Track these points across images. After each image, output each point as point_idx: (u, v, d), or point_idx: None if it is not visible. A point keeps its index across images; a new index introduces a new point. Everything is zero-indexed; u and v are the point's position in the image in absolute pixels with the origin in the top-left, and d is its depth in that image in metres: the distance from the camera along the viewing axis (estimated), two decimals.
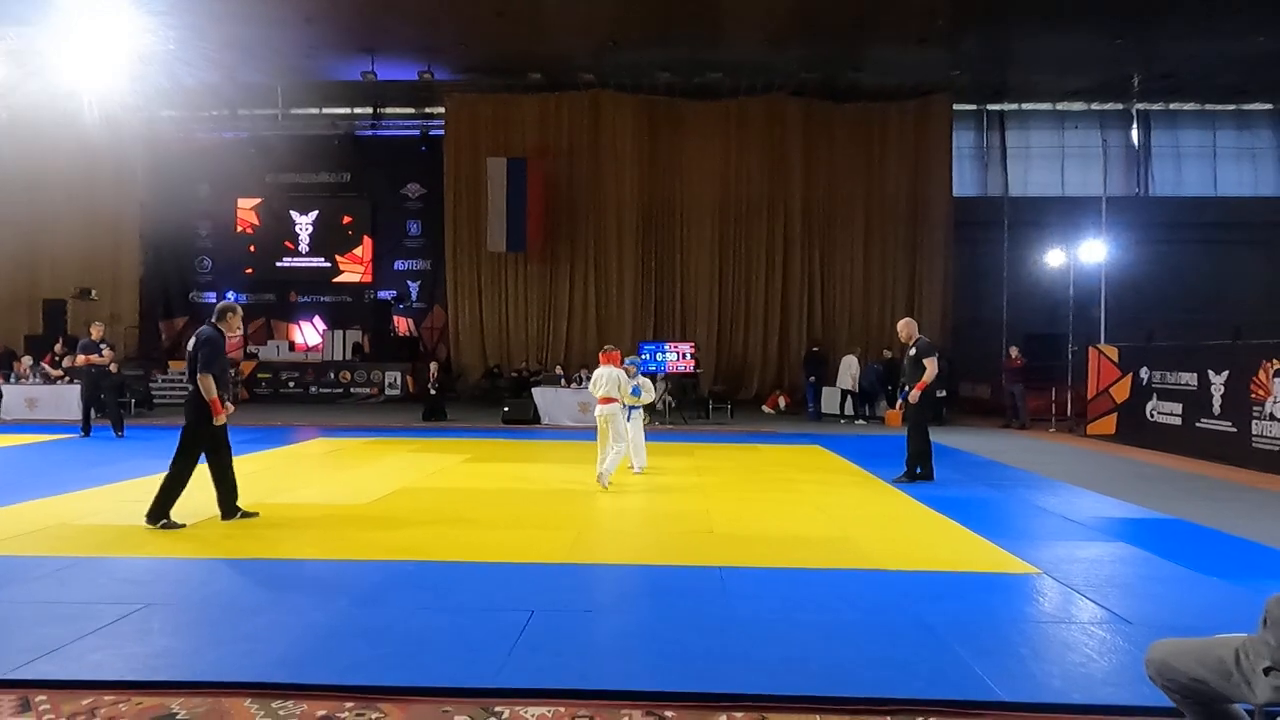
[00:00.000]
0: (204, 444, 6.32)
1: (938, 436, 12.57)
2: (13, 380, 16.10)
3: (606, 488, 7.96)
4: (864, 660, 3.64)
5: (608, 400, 8.40)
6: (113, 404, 12.57)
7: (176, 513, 6.18)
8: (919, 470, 8.61)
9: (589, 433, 13.82)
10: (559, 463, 10.06)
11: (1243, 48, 17.50)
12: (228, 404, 6.37)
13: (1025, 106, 22.66)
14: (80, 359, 12.41)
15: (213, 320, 6.46)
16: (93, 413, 12.44)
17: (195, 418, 6.26)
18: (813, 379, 17.50)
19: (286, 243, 23.12)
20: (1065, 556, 5.55)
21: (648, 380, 9.21)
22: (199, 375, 6.17)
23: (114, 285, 22.06)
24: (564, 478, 8.81)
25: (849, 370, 16.43)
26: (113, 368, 12.57)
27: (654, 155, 21.46)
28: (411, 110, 23.12)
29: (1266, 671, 2.30)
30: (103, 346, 12.34)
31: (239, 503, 6.52)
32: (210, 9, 13.97)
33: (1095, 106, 22.17)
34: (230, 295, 23.26)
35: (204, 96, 20.72)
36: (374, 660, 3.57)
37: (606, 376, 8.49)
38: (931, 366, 8.37)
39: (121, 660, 3.53)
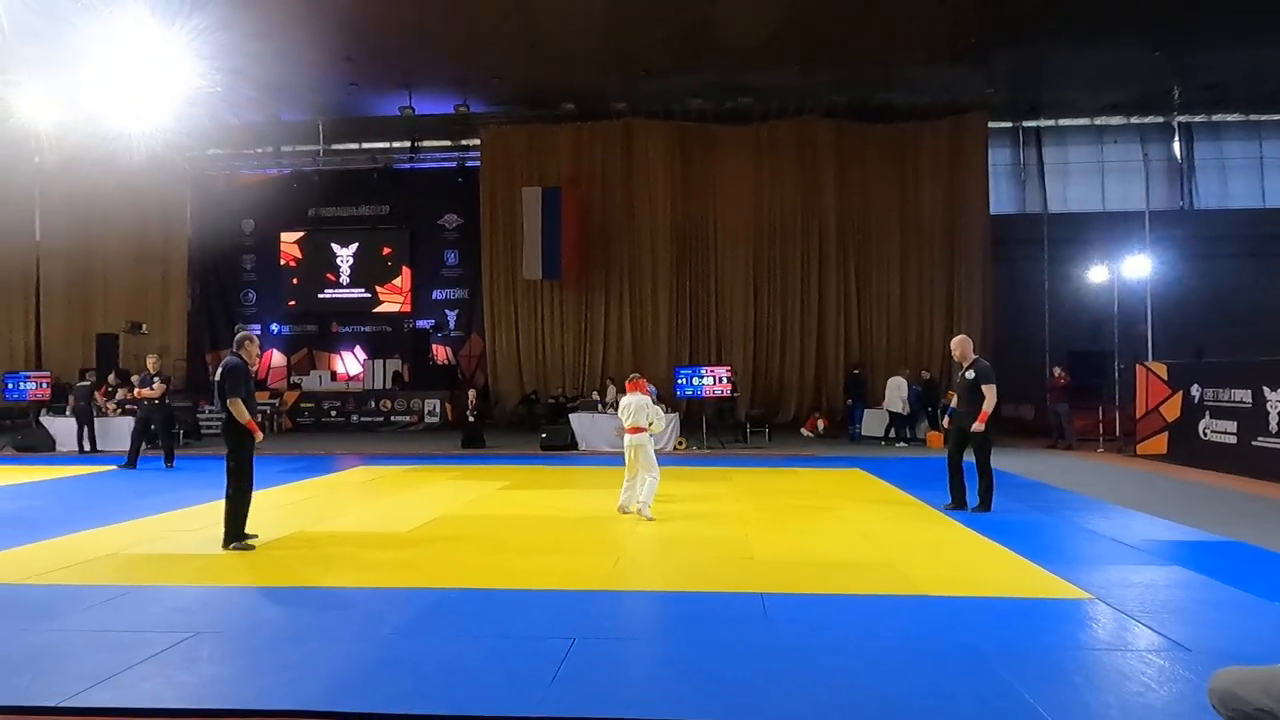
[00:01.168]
0: (248, 464, 6.62)
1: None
2: (68, 414, 16.58)
3: (651, 519, 7.78)
4: (910, 690, 3.56)
5: (637, 430, 8.13)
6: (165, 435, 12.77)
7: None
8: (979, 502, 8.09)
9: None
10: (597, 488, 10.05)
11: None
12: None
13: (1062, 122, 22.38)
14: (139, 392, 12.74)
15: (234, 350, 6.82)
16: (143, 445, 12.67)
17: (235, 443, 6.60)
18: (853, 401, 17.32)
19: (328, 274, 23.63)
20: (1118, 581, 5.39)
21: (658, 409, 9.05)
22: (229, 400, 6.52)
23: (163, 318, 22.75)
24: (603, 503, 8.79)
25: (898, 391, 16.18)
26: (152, 397, 12.62)
27: (687, 180, 21.59)
28: (448, 143, 23.60)
29: None
30: (155, 380, 12.58)
31: (258, 528, 6.83)
32: (253, 50, 14.44)
33: (1135, 120, 21.83)
34: (274, 327, 23.83)
35: (248, 135, 21.41)
36: (416, 689, 3.58)
37: (636, 405, 8.22)
38: (991, 394, 7.77)
39: (171, 689, 3.59)
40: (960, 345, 8.30)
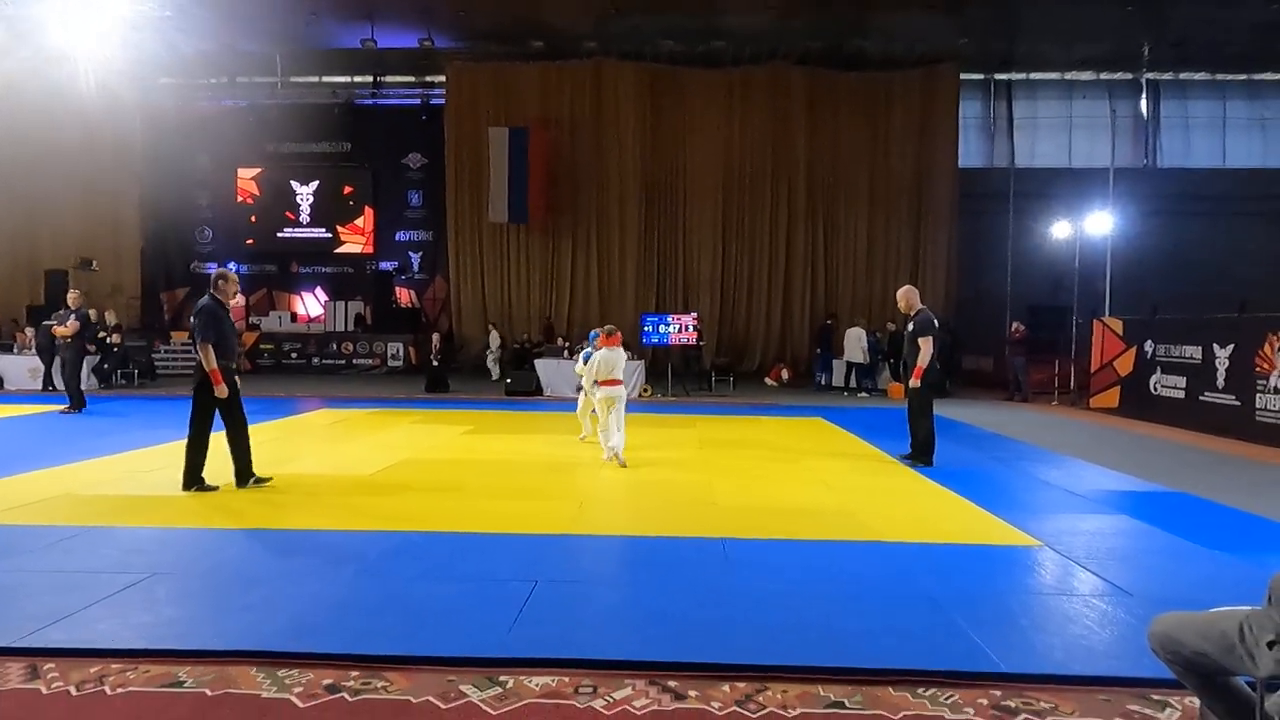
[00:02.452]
0: (211, 411, 6.42)
1: (939, 409, 12.56)
2: (15, 351, 16.12)
3: (625, 465, 7.80)
4: (865, 631, 3.66)
5: (616, 383, 8.07)
6: (72, 375, 11.77)
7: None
8: (921, 455, 8.06)
9: None
10: (562, 434, 10.07)
11: (1255, 15, 17.22)
12: (235, 379, 6.45)
13: (1033, 76, 22.35)
14: (54, 330, 12.04)
15: (210, 290, 6.51)
16: (80, 381, 11.96)
17: (198, 386, 6.41)
18: (822, 351, 17.53)
19: (287, 213, 23.01)
20: (1067, 529, 5.56)
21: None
22: (199, 345, 6.27)
23: (116, 256, 22.00)
24: (567, 449, 8.83)
25: (858, 342, 16.38)
26: (66, 335, 11.80)
27: (657, 125, 21.27)
28: (412, 79, 22.87)
29: (1270, 645, 2.31)
30: (71, 317, 11.77)
31: (255, 469, 6.70)
32: None
33: (1104, 76, 21.88)
34: (232, 266, 23.14)
35: (202, 64, 20.53)
36: (379, 630, 3.59)
37: (619, 360, 8.17)
38: (926, 347, 7.68)
39: (129, 629, 3.55)
40: (905, 295, 8.21)
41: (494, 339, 19.38)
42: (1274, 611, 2.31)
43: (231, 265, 22.98)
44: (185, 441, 6.45)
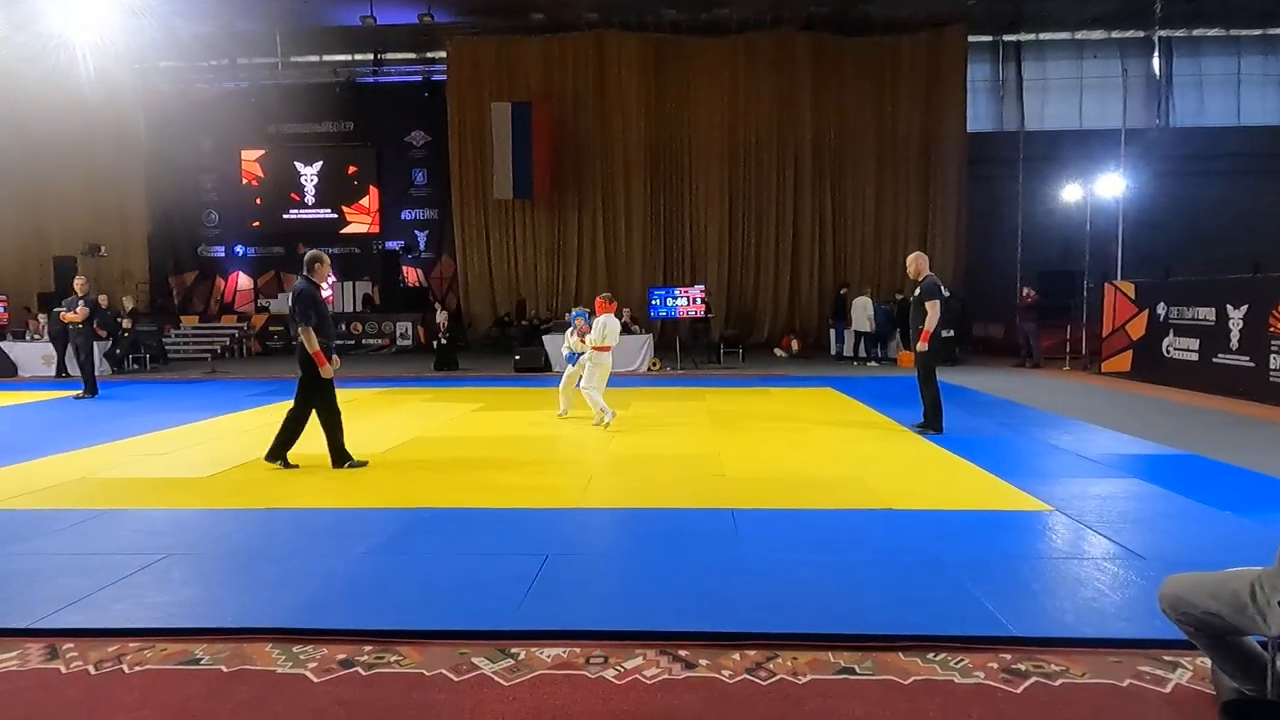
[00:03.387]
0: (319, 392, 6.47)
1: (949, 376, 12.54)
2: (29, 338, 16.23)
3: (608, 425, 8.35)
4: (875, 598, 3.66)
5: (608, 349, 8.66)
6: (86, 361, 11.83)
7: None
8: (931, 423, 8.07)
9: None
10: (571, 409, 10.08)
11: None
12: (334, 356, 6.53)
13: (1043, 36, 21.94)
14: (63, 316, 12.03)
15: (304, 273, 6.50)
16: (94, 367, 12.04)
17: (306, 369, 6.42)
18: (836, 320, 17.50)
19: (292, 194, 22.99)
20: (1078, 493, 5.54)
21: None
22: (300, 329, 6.30)
23: (123, 241, 22.07)
24: (576, 424, 8.85)
25: (865, 311, 16.31)
26: (75, 321, 11.78)
27: (661, 95, 21.05)
28: (413, 55, 22.70)
29: None
30: (80, 303, 11.76)
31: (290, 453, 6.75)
32: None
33: (1115, 35, 21.46)
34: (239, 249, 23.27)
35: (201, 47, 20.37)
36: (392, 605, 3.62)
37: (614, 325, 8.76)
38: (933, 310, 7.70)
39: (145, 609, 3.60)
40: (915, 261, 8.16)
41: (440, 317, 17.85)
42: None
43: (239, 248, 23.13)
44: (285, 417, 6.54)
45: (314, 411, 6.53)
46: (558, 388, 9.63)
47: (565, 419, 9.18)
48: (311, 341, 6.30)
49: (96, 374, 12.23)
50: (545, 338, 16.11)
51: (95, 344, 12.89)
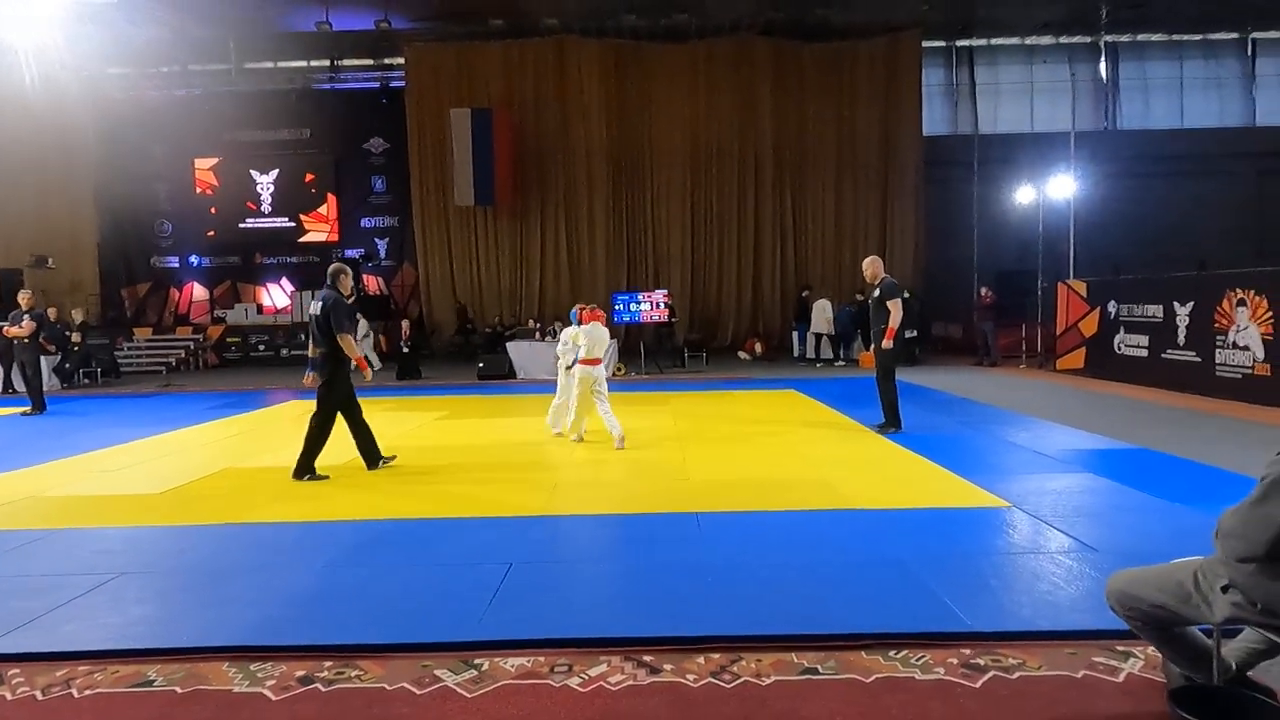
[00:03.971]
0: (340, 400, 6.65)
1: (910, 376, 12.75)
2: None
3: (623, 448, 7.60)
4: (838, 598, 3.70)
5: (596, 361, 7.87)
6: (33, 377, 11.46)
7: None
8: (891, 421, 8.20)
9: None
10: (535, 416, 10.02)
11: None
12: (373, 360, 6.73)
13: (994, 42, 22.45)
14: (6, 330, 11.60)
15: (329, 284, 6.63)
16: (42, 383, 11.64)
17: (331, 377, 6.55)
18: (799, 323, 17.71)
19: (248, 203, 22.58)
20: (1035, 489, 5.66)
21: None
22: (339, 336, 6.41)
23: (72, 252, 21.46)
24: (541, 431, 8.80)
25: (823, 314, 16.54)
26: (20, 336, 11.37)
27: (622, 101, 21.10)
28: (370, 61, 22.47)
29: (1224, 589, 2.37)
30: (25, 317, 11.34)
31: (381, 450, 6.99)
32: None
33: (1064, 40, 22.02)
34: (193, 259, 22.80)
35: (152, 52, 19.97)
36: (353, 619, 3.57)
37: (599, 336, 7.91)
38: (896, 309, 7.87)
39: (96, 630, 3.50)
40: (871, 265, 8.32)
41: (361, 327, 17.21)
42: (1222, 552, 2.37)
43: (193, 258, 22.66)
44: (309, 430, 6.53)
45: (327, 419, 6.63)
46: (552, 405, 8.64)
47: (564, 437, 8.32)
48: (354, 349, 6.55)
49: (45, 389, 11.88)
50: (509, 345, 16.02)
51: (43, 359, 12.52)
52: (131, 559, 4.54)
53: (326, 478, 6.53)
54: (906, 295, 8.31)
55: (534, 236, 21.44)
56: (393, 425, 9.57)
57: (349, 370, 6.65)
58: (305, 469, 6.50)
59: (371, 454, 6.87)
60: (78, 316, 16.42)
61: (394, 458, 7.04)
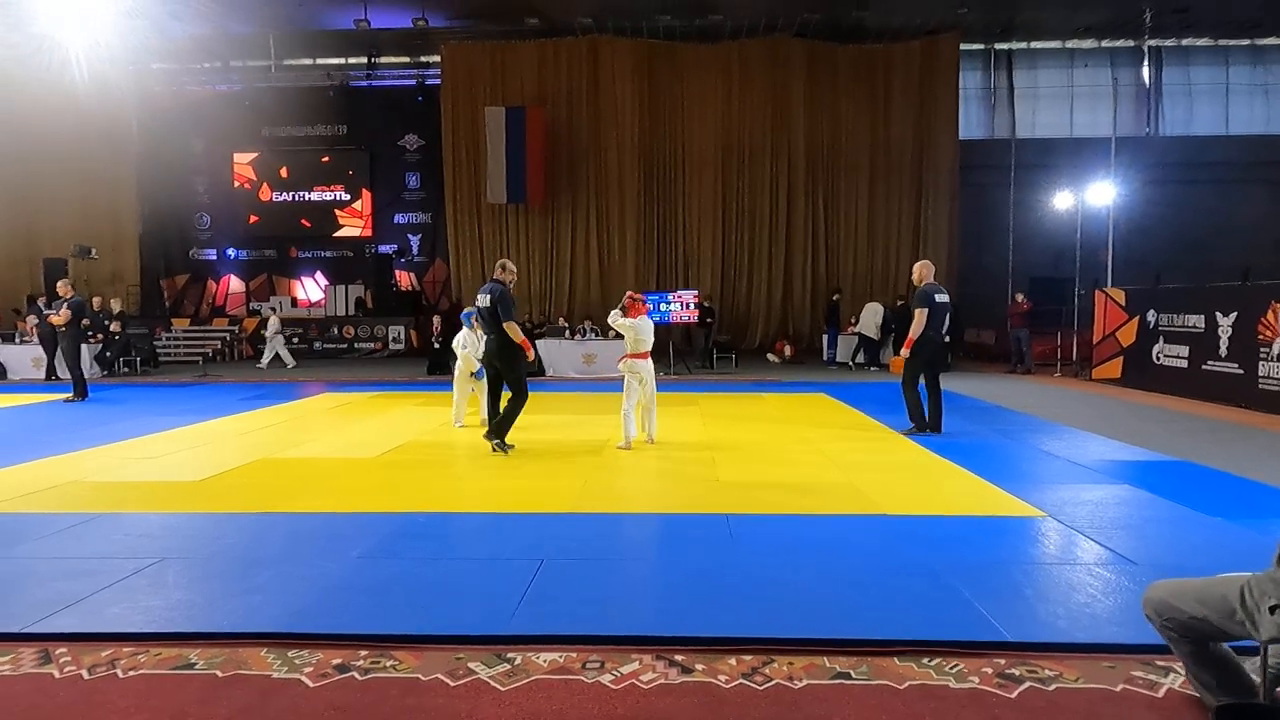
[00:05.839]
0: (523, 376, 7.38)
1: (944, 382, 12.61)
2: (18, 341, 16.14)
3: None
4: (869, 603, 3.68)
5: (646, 355, 7.78)
6: (72, 364, 11.76)
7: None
8: (916, 424, 8.31)
9: (593, 384, 13.90)
10: (564, 413, 10.09)
11: None
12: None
13: (1034, 45, 22.14)
14: (50, 318, 11.95)
15: (494, 276, 7.40)
16: (82, 370, 11.90)
17: (511, 361, 7.31)
18: (829, 327, 17.60)
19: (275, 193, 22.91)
20: (1070, 499, 5.57)
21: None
22: (506, 324, 7.14)
23: (114, 243, 21.94)
24: (570, 428, 8.85)
25: (874, 317, 16.37)
26: (58, 324, 11.74)
27: (655, 101, 21.11)
28: (407, 59, 22.70)
29: (1273, 609, 2.32)
30: (63, 305, 11.67)
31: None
32: None
33: (1106, 44, 21.66)
34: (230, 252, 23.21)
35: (194, 49, 20.36)
36: (386, 610, 3.62)
37: (648, 328, 7.85)
38: (920, 318, 7.99)
39: (139, 613, 3.58)
40: (919, 269, 8.44)
41: (272, 324, 17.31)
42: (1277, 573, 2.32)
43: (230, 251, 23.08)
44: (508, 405, 7.35)
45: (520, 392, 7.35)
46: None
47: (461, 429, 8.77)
48: (518, 333, 7.21)
49: (86, 377, 12.15)
50: (539, 342, 16.09)
51: (85, 346, 12.80)
52: (171, 544, 4.64)
53: (513, 447, 7.37)
54: (942, 299, 8.18)
55: (565, 235, 21.53)
56: (424, 420, 9.68)
57: (525, 354, 7.36)
58: (499, 434, 7.31)
59: (501, 429, 7.37)
60: (116, 306, 16.76)
61: (513, 446, 7.45)
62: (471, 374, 9.04)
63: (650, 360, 7.86)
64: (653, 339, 7.92)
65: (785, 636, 3.29)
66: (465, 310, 9.37)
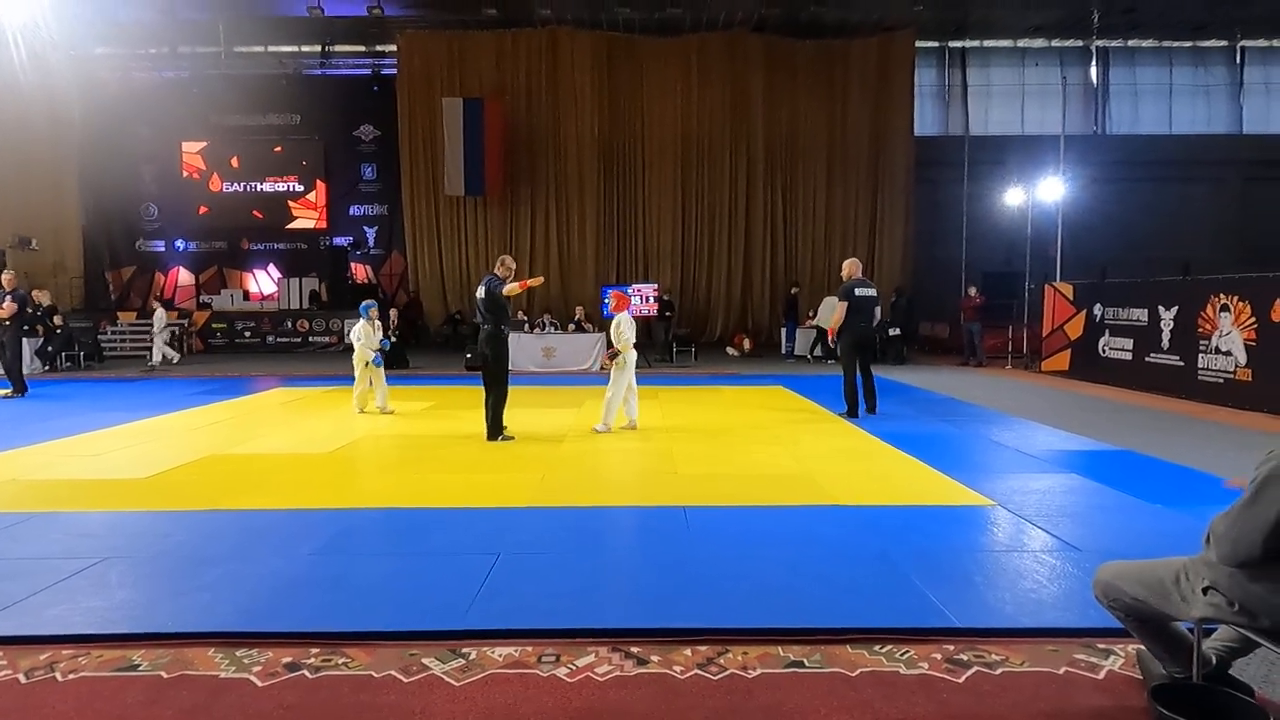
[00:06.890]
0: (505, 369, 7.68)
1: (896, 375, 12.85)
2: None
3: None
4: (824, 593, 3.73)
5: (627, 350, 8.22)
6: (13, 360, 11.27)
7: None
8: (850, 409, 9.02)
9: (552, 378, 13.85)
10: (523, 407, 10.01)
11: None
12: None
13: (987, 43, 22.54)
14: None
15: (494, 271, 7.67)
16: (21, 366, 11.36)
17: (497, 352, 7.61)
18: (788, 320, 17.75)
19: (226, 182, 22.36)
20: (1019, 488, 5.71)
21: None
22: (503, 290, 7.52)
23: (56, 234, 21.19)
24: (528, 422, 8.79)
25: (831, 311, 16.53)
26: (1, 318, 11.13)
27: (614, 94, 21.04)
28: (362, 48, 22.29)
29: (1205, 590, 2.41)
30: (6, 299, 11.15)
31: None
32: None
33: (1056, 43, 22.14)
34: (179, 244, 22.59)
35: (140, 33, 19.74)
36: (339, 606, 3.56)
37: (630, 321, 8.37)
38: (840, 310, 8.98)
39: (80, 614, 3.48)
40: (848, 267, 9.37)
41: (159, 318, 16.01)
42: (1210, 555, 2.40)
43: (179, 243, 22.46)
44: (492, 400, 7.67)
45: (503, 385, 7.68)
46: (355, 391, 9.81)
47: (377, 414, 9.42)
48: (514, 289, 7.59)
49: (26, 372, 11.73)
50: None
51: (25, 340, 12.34)
52: (115, 543, 4.51)
53: (514, 438, 7.63)
54: (866, 294, 9.01)
55: (524, 227, 21.37)
56: (378, 415, 9.55)
57: (508, 346, 7.76)
58: (495, 432, 7.63)
59: (496, 429, 7.67)
60: (43, 299, 15.84)
61: (513, 438, 7.66)
62: (366, 363, 9.61)
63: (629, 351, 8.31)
64: (632, 332, 8.44)
65: (740, 627, 3.33)
66: (364, 303, 9.99)
